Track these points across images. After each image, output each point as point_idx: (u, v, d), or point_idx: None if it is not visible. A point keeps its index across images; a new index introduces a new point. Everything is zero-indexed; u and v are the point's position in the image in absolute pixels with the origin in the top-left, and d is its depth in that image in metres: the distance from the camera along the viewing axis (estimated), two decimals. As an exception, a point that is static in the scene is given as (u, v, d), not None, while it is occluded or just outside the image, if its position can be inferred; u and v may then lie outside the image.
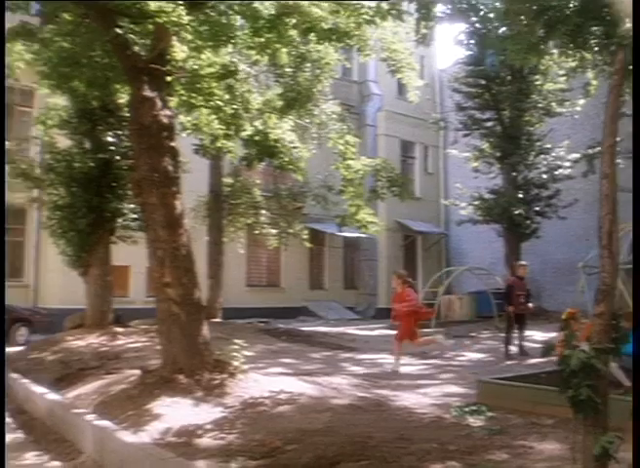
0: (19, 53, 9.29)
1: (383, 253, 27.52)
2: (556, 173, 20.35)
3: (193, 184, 18.80)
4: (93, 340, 12.08)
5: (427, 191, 29.13)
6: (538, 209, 20.40)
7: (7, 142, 16.81)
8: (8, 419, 7.16)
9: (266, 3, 7.65)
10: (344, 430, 5.70)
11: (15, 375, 9.07)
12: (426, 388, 8.48)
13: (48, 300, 20.06)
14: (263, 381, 7.36)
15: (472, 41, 7.26)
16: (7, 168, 13.42)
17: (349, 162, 13.50)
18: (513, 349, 12.21)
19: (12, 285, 19.82)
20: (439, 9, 6.36)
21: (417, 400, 7.48)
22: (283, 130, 9.48)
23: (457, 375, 9.87)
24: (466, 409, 6.70)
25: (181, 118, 8.52)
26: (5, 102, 8.55)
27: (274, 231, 17.88)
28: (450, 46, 76.67)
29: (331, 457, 4.92)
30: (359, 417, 6.42)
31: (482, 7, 6.02)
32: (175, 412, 6.22)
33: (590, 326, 4.14)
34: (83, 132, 13.57)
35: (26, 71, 10.69)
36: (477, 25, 6.28)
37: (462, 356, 12.61)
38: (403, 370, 10.26)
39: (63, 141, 14.15)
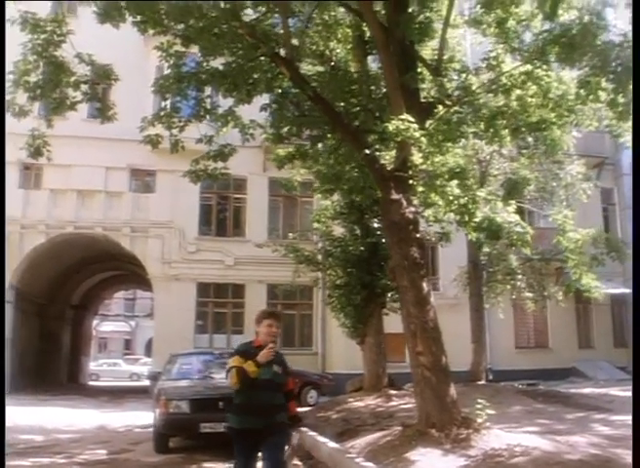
0: (297, 169, 11.74)
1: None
2: None
3: (454, 257, 20.33)
4: (370, 401, 13.85)
5: None
6: None
7: (290, 234, 19.92)
8: (299, 463, 9.08)
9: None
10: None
11: (304, 429, 11.10)
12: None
13: (333, 366, 22.53)
14: (504, 436, 8.39)
15: None
16: (292, 255, 16.13)
17: (569, 234, 14.29)
18: None
19: (303, 353, 22.86)
20: None
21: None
22: (508, 213, 10.64)
23: None
24: None
25: (425, 213, 10.14)
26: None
27: (530, 294, 18.54)
28: None
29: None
30: (586, 472, 7.22)
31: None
32: (427, 460, 7.57)
33: None
34: (353, 220, 15.86)
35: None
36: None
37: None
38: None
39: (338, 229, 16.63)
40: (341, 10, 12.05)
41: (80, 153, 22.48)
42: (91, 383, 35.07)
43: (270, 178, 23.66)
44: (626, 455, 7.95)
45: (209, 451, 10.04)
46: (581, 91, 9.31)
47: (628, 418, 12.13)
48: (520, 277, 18.25)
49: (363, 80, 11.83)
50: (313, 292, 23.27)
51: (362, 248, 15.48)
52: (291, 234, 20.89)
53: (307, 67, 13.01)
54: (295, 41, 11.65)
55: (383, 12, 10.79)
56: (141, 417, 14.03)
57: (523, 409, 13.52)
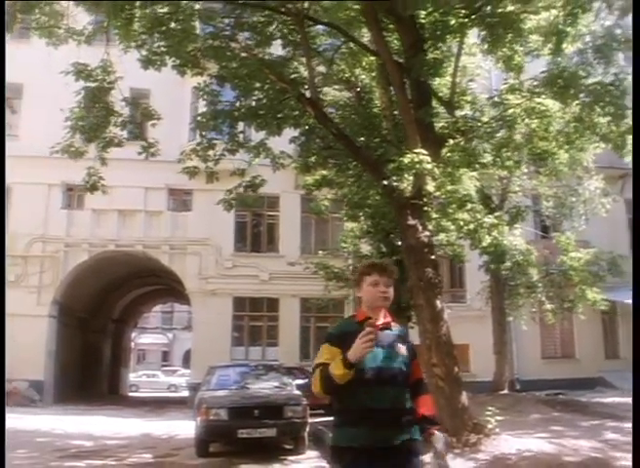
0: (325, 196, 12.79)
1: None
2: None
3: (480, 271, 21.08)
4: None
5: None
6: None
7: (320, 252, 20.88)
8: (326, 465, 9.96)
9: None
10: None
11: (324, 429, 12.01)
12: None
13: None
14: (513, 441, 9.25)
15: None
16: (322, 272, 17.10)
17: (571, 254, 15.18)
18: None
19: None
20: None
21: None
22: (514, 237, 11.53)
23: None
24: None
25: (438, 237, 11.08)
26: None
27: (550, 307, 19.19)
28: None
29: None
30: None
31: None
32: (439, 462, 8.45)
33: None
34: (379, 239, 16.73)
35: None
36: None
37: None
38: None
39: (365, 247, 17.55)
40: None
41: (120, 174, 23.50)
42: (131, 394, 36.26)
43: (302, 196, 24.53)
44: (624, 459, 8.70)
45: (246, 455, 10.92)
46: (578, 124, 10.18)
47: (639, 425, 12.92)
48: (540, 290, 18.90)
49: (384, 113, 12.79)
50: (344, 304, 24.10)
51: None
52: (321, 252, 21.82)
53: (334, 92, 14.03)
54: (322, 68, 12.74)
55: (399, 47, 11.78)
56: (182, 426, 14.92)
57: (541, 416, 14.25)
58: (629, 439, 10.92)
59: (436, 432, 3.57)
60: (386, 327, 3.59)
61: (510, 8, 9.93)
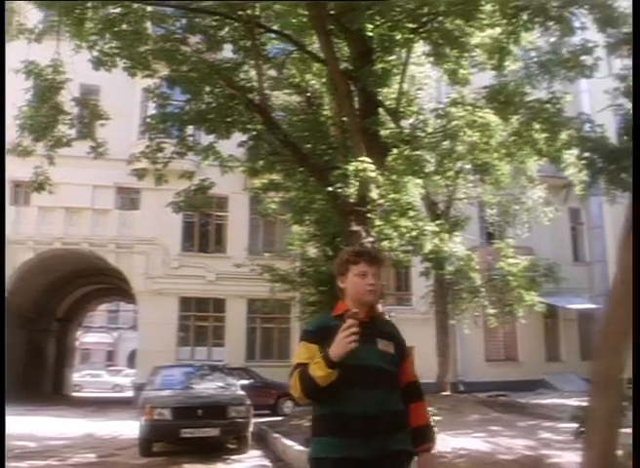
0: (272, 199, 13.02)
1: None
2: None
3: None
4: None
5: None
6: None
7: (266, 254, 21.06)
8: (268, 464, 10.22)
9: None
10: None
11: (276, 435, 12.23)
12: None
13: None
14: (449, 440, 9.58)
15: None
16: (267, 274, 17.29)
17: (509, 260, 15.82)
18: None
19: (281, 365, 23.74)
20: None
21: (572, 459, 8.99)
22: (455, 244, 11.94)
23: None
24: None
25: (382, 244, 11.37)
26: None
27: (492, 311, 19.74)
28: None
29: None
30: (513, 469, 8.45)
31: None
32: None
33: None
34: (326, 242, 16.97)
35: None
36: None
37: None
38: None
39: (312, 250, 17.78)
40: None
41: (68, 172, 23.25)
42: (74, 394, 35.75)
43: (251, 198, 24.60)
44: (555, 456, 9.09)
45: (189, 455, 11.05)
46: (518, 138, 10.62)
47: (573, 425, 13.42)
48: (483, 294, 19.40)
49: (334, 119, 13.03)
50: (291, 306, 24.29)
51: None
52: (266, 254, 22.00)
53: (285, 97, 14.24)
54: (274, 71, 12.93)
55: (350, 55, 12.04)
56: (126, 426, 14.87)
57: (480, 417, 14.64)
58: (563, 438, 11.46)
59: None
60: (372, 320, 3.08)
61: (455, 24, 10.26)
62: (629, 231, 6.04)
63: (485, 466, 8.51)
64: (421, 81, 14.83)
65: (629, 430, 8.23)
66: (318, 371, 2.79)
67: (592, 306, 23.87)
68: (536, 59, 11.52)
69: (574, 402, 18.68)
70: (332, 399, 2.89)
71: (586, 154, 8.78)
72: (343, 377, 2.82)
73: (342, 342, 2.75)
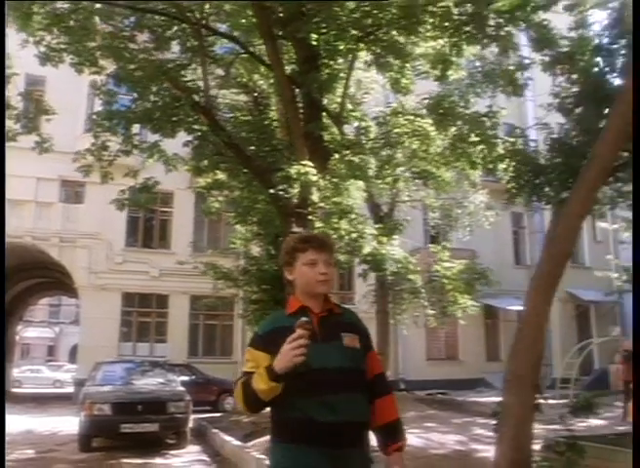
0: (216, 198, 13.20)
1: (556, 324, 27.72)
2: None
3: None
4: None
5: (597, 260, 28.96)
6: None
7: (209, 251, 21.13)
8: (207, 458, 10.44)
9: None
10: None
11: (215, 430, 12.44)
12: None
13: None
14: (382, 435, 9.91)
15: None
16: (210, 272, 17.39)
17: (445, 263, 16.43)
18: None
19: (224, 362, 24.03)
20: None
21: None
22: (393, 246, 12.33)
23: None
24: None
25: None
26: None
27: (431, 312, 20.22)
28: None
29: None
30: (442, 463, 8.87)
31: None
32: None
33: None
34: (269, 241, 17.10)
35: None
36: None
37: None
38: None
39: (255, 249, 17.99)
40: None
41: (11, 163, 22.79)
42: (14, 390, 35.07)
43: (196, 195, 24.51)
44: (485, 451, 9.43)
45: (128, 450, 11.20)
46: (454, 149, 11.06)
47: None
48: (423, 296, 19.85)
49: (280, 121, 13.27)
50: (234, 303, 24.41)
51: (276, 267, 16.83)
52: (210, 251, 22.08)
53: (232, 96, 14.39)
54: (221, 70, 13.08)
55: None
56: (66, 422, 14.86)
57: (416, 414, 15.04)
58: (494, 434, 11.92)
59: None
60: (329, 315, 2.81)
61: (397, 36, 10.60)
62: (550, 241, 6.52)
63: (416, 460, 8.87)
64: (368, 85, 15.17)
65: (548, 426, 8.76)
66: (260, 384, 2.56)
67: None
68: (480, 69, 11.96)
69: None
70: (297, 404, 2.63)
71: (515, 166, 9.24)
72: (311, 381, 2.61)
73: (289, 355, 2.49)
